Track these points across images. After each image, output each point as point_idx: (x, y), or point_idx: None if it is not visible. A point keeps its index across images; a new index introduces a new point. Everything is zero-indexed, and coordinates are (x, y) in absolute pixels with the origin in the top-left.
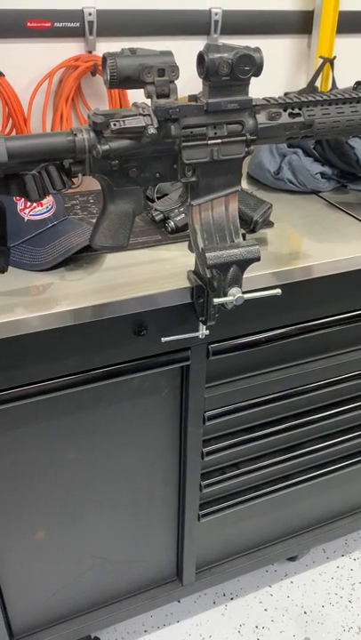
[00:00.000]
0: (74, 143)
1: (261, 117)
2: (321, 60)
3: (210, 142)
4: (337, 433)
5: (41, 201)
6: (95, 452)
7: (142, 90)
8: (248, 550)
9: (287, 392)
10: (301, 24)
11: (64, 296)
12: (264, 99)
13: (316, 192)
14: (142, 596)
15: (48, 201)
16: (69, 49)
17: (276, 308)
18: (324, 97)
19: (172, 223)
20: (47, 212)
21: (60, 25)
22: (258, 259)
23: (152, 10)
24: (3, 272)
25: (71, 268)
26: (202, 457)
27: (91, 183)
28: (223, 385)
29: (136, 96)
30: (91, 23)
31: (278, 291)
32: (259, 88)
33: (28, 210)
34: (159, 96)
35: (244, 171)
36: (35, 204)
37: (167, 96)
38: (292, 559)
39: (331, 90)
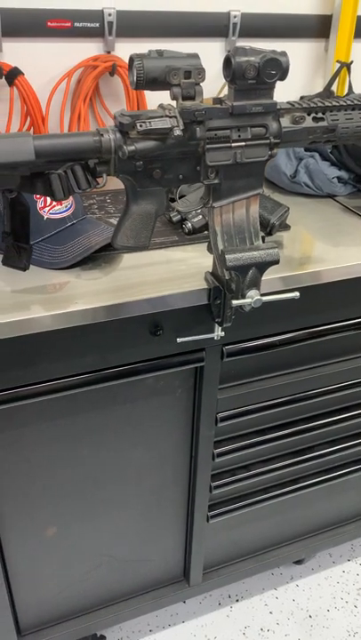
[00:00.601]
0: (100, 143)
1: (285, 121)
2: (338, 65)
3: (234, 145)
4: (347, 437)
5: (62, 200)
6: (108, 450)
7: (160, 92)
8: (255, 552)
9: (299, 395)
10: (319, 28)
11: (81, 295)
12: (288, 102)
13: (332, 196)
14: (148, 596)
15: (67, 200)
16: (88, 49)
17: (291, 311)
18: (348, 102)
19: (190, 224)
20: (66, 210)
21: (80, 25)
22: (277, 261)
23: (171, 11)
24: (24, 270)
25: (89, 266)
26: (213, 458)
27: (108, 182)
28: (236, 387)
29: (154, 97)
30: (110, 24)
31: (296, 294)
32: (275, 92)
33: (47, 208)
34: (185, 98)
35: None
36: (54, 203)
37: (193, 98)
38: (298, 562)
39: (347, 94)
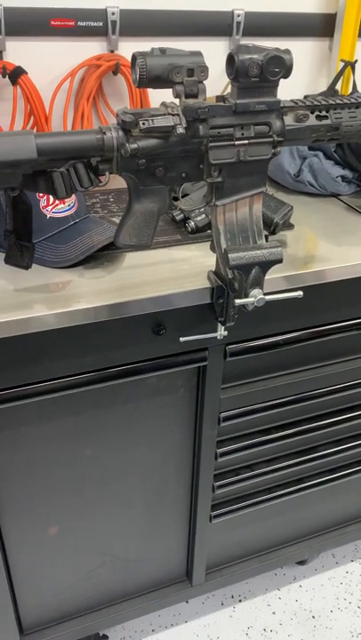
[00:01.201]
0: (102, 141)
1: (289, 119)
2: (342, 64)
3: (237, 143)
4: (350, 438)
5: (65, 199)
6: (110, 450)
7: (164, 90)
8: (258, 553)
9: (302, 395)
10: (323, 27)
11: (84, 293)
12: (292, 100)
13: (335, 195)
14: (151, 596)
15: (70, 199)
16: (92, 48)
17: (294, 310)
18: (352, 100)
19: (193, 223)
20: (69, 209)
21: (84, 24)
22: (280, 261)
23: (175, 10)
24: (27, 268)
25: (91, 265)
26: (215, 458)
27: (111, 182)
28: (239, 386)
29: (157, 96)
30: (114, 23)
31: (300, 293)
32: (279, 90)
33: (50, 207)
34: (188, 96)
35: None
36: (57, 202)
37: (196, 96)
38: (301, 563)
39: (351, 93)
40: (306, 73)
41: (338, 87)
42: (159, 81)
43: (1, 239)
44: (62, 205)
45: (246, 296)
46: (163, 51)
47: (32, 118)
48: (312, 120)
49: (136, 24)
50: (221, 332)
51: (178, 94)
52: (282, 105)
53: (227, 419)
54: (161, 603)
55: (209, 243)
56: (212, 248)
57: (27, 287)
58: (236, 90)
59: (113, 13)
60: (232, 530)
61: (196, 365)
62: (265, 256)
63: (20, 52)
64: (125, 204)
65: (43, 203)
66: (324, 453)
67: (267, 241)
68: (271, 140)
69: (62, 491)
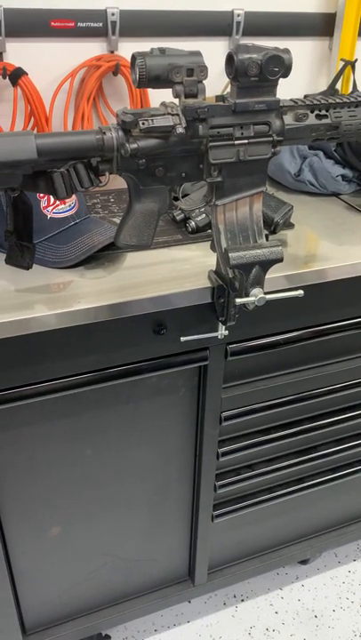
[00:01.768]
0: (102, 141)
1: (288, 118)
2: (342, 63)
3: (236, 142)
4: (351, 437)
5: (65, 199)
6: (111, 450)
7: (164, 90)
8: (260, 552)
9: (304, 394)
10: (323, 26)
11: (85, 294)
12: (291, 100)
13: (336, 194)
14: (153, 595)
15: (71, 199)
16: (92, 49)
17: (295, 309)
18: (351, 99)
19: (193, 223)
20: (70, 210)
21: (84, 25)
22: (281, 260)
23: (174, 10)
24: (27, 269)
25: (92, 266)
26: (217, 457)
27: (112, 182)
28: (240, 386)
29: (157, 96)
30: (113, 23)
31: (300, 292)
32: (279, 89)
33: (50, 208)
34: (187, 96)
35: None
36: (58, 203)
37: (195, 96)
38: (303, 562)
39: (352, 93)
40: (306, 72)
41: (338, 86)
42: (159, 81)
43: (2, 240)
44: (63, 206)
45: (247, 295)
46: (162, 51)
47: (32, 119)
48: (312, 119)
49: (136, 24)
50: (222, 331)
51: (177, 94)
52: (281, 104)
53: (228, 418)
54: (163, 602)
55: (209, 242)
56: (213, 248)
57: (28, 287)
58: (236, 89)
59: (113, 14)
60: (234, 529)
61: (196, 365)
62: (265, 255)
63: (20, 53)
64: (126, 204)
65: (43, 203)
66: (326, 453)
67: (267, 240)
68: (271, 139)
69: (64, 491)
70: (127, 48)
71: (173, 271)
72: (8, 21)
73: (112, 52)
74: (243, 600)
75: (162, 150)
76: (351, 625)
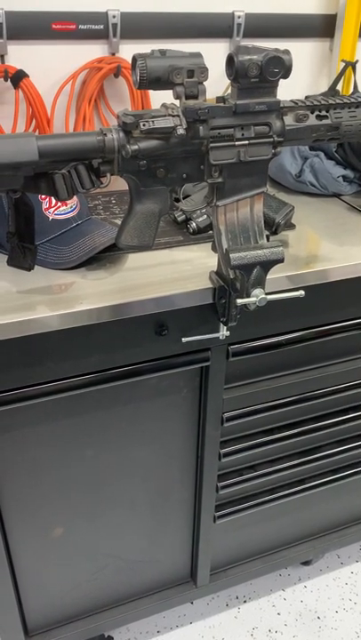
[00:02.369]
0: (103, 143)
1: (289, 119)
2: (343, 64)
3: (237, 143)
4: (354, 437)
5: (66, 200)
6: (113, 451)
7: (165, 92)
8: (262, 553)
9: (306, 395)
10: (324, 28)
11: (86, 295)
12: (291, 101)
13: (337, 195)
14: (156, 597)
15: (72, 201)
16: (93, 51)
17: (297, 310)
18: (352, 100)
19: (194, 224)
20: (71, 211)
21: (85, 27)
22: (282, 260)
23: (175, 12)
24: (29, 270)
25: (94, 267)
26: (219, 458)
27: (113, 183)
28: (242, 386)
29: (158, 98)
30: (115, 25)
31: (301, 292)
32: (280, 91)
33: (52, 209)
34: (188, 97)
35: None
36: (59, 204)
37: (196, 97)
38: (306, 563)
39: (352, 94)
40: (307, 74)
41: (339, 87)
42: (159, 82)
43: (3, 241)
44: (64, 207)
45: (248, 296)
46: (163, 52)
47: (34, 121)
48: (312, 120)
49: (137, 27)
50: (224, 332)
51: (178, 95)
52: (282, 105)
53: (230, 419)
54: (166, 604)
55: (210, 243)
56: (214, 248)
57: (30, 289)
58: (236, 90)
59: (114, 16)
60: (236, 530)
61: (198, 366)
62: (266, 256)
63: (21, 55)
64: (127, 205)
65: (45, 205)
66: (328, 453)
67: (268, 241)
68: (271, 140)
69: (66, 492)
70: (128, 50)
71: (175, 272)
72: (10, 24)
73: (113, 54)
74: (245, 601)
75: (163, 151)
76: (354, 626)
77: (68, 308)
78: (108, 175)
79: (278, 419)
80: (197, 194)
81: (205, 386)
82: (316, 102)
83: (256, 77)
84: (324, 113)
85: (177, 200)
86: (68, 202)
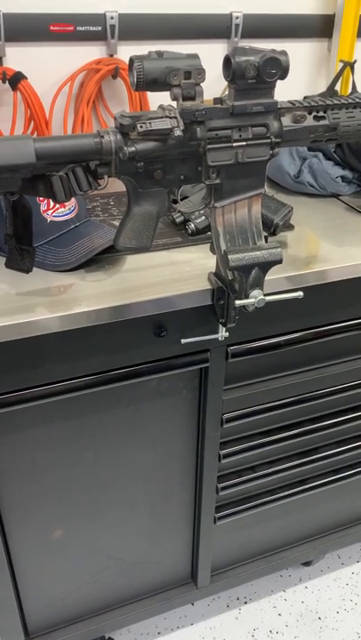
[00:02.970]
0: (101, 145)
1: (286, 120)
2: (341, 64)
3: (235, 145)
4: (353, 438)
5: (64, 202)
6: (113, 452)
7: (163, 93)
8: (263, 554)
9: (305, 396)
10: (322, 28)
11: (85, 297)
12: (289, 102)
13: (336, 195)
14: (156, 598)
15: (70, 203)
16: (91, 52)
17: (295, 311)
18: (349, 100)
19: (193, 225)
20: (69, 213)
21: (83, 29)
22: (280, 261)
23: (173, 14)
24: (27, 272)
25: (92, 269)
26: (219, 459)
27: (111, 185)
28: (241, 387)
29: (157, 99)
30: (113, 27)
31: (300, 293)
32: (279, 91)
33: (50, 211)
34: (185, 98)
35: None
36: (57, 206)
37: (193, 98)
38: (306, 564)
39: (351, 94)
40: (305, 74)
41: (337, 88)
42: (156, 84)
43: (1, 243)
44: (62, 209)
45: (247, 297)
46: (160, 54)
47: (32, 123)
48: (310, 121)
49: (135, 28)
50: (223, 333)
51: (175, 97)
52: (279, 106)
53: (230, 420)
54: (166, 605)
55: (209, 244)
56: (212, 250)
57: (28, 291)
58: (234, 92)
59: (112, 18)
60: (237, 531)
61: (197, 367)
62: (264, 257)
63: (19, 57)
64: (125, 207)
65: (43, 207)
66: (328, 454)
67: (266, 242)
68: (269, 141)
69: (66, 494)
70: (126, 51)
71: (173, 273)
72: (7, 26)
73: (111, 55)
74: (246, 602)
75: (160, 153)
76: (355, 627)
77: (66, 310)
78: (106, 177)
79: (278, 419)
80: (195, 195)
81: (205, 387)
82: (313, 103)
83: (253, 78)
84: (321, 114)
85: (175, 202)
86: (66, 204)
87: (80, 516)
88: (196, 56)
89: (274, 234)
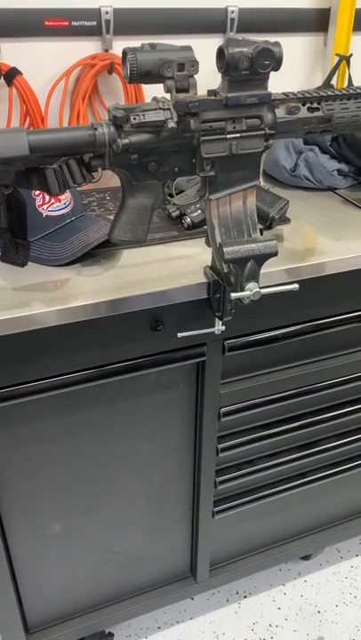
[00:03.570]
0: (94, 137)
1: (280, 112)
2: (337, 58)
3: (229, 136)
4: (352, 431)
5: (60, 196)
6: (111, 447)
7: (159, 88)
8: (262, 548)
9: (303, 389)
10: (318, 22)
11: (82, 291)
12: (283, 93)
13: (332, 189)
14: (156, 592)
15: (66, 197)
16: (86, 47)
17: (292, 304)
18: (343, 92)
19: (189, 219)
20: (65, 207)
21: (78, 24)
22: (275, 254)
23: (169, 8)
24: (22, 266)
25: (88, 263)
26: (217, 453)
27: (108, 180)
28: (239, 381)
29: (152, 93)
30: (108, 22)
31: (296, 286)
32: (275, 85)
33: (46, 206)
34: (179, 90)
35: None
36: (53, 200)
37: (187, 90)
38: (305, 558)
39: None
40: (301, 68)
41: (333, 82)
42: (150, 76)
43: None
44: (58, 204)
45: (242, 290)
46: (153, 46)
47: (28, 119)
48: (304, 112)
49: (130, 23)
50: (219, 326)
51: (169, 89)
52: (273, 97)
53: (227, 414)
54: (166, 599)
55: (205, 238)
56: (208, 243)
57: (25, 285)
58: (227, 83)
59: (107, 13)
60: (235, 525)
61: (194, 361)
62: (260, 249)
63: (14, 52)
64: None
65: (39, 201)
66: (327, 447)
67: (261, 234)
68: (263, 132)
69: (64, 489)
70: (121, 46)
71: (170, 267)
72: (2, 21)
73: (106, 50)
74: (245, 596)
75: (154, 145)
76: (354, 620)
77: (63, 304)
78: (100, 170)
79: (275, 413)
80: (191, 189)
81: (202, 381)
82: (307, 94)
83: (247, 70)
84: (315, 105)
85: (170, 196)
86: (61, 198)
87: (78, 510)
88: (189, 48)
89: (270, 227)
